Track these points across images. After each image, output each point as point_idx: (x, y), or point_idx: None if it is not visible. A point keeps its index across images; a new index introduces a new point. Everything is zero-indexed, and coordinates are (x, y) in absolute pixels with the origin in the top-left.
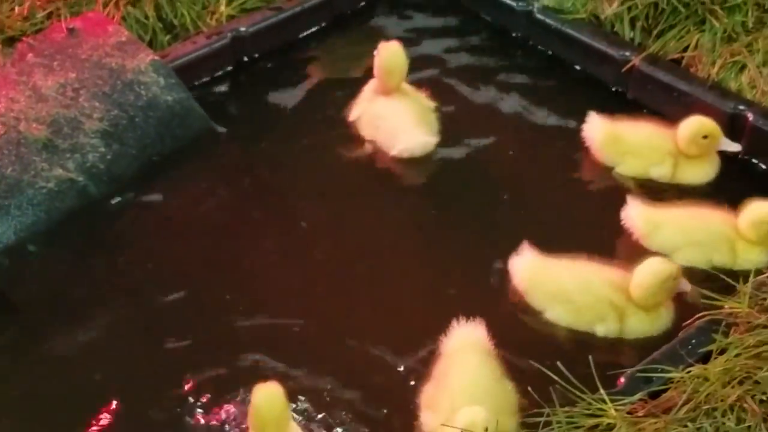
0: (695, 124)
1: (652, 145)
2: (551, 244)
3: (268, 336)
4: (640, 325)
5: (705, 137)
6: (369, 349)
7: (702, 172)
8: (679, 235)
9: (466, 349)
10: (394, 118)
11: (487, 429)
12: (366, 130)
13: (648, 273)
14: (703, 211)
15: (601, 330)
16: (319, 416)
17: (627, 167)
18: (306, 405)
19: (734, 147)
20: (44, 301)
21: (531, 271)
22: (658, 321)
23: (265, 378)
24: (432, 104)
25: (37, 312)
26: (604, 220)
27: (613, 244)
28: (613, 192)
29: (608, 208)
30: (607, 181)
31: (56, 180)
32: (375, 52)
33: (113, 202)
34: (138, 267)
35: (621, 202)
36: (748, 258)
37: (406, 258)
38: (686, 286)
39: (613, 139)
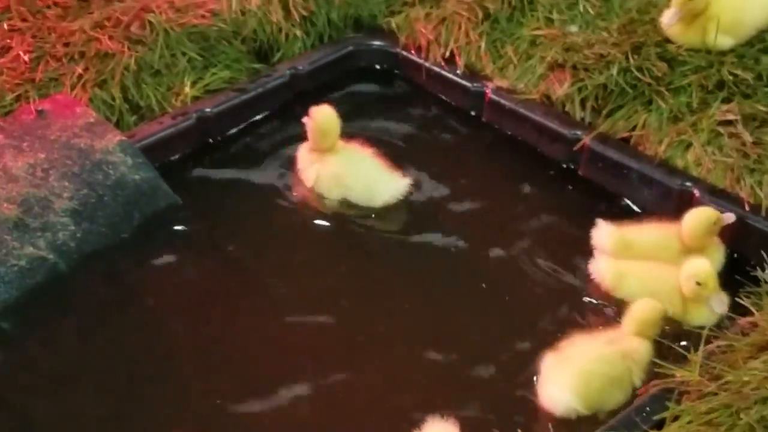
0: (698, 215)
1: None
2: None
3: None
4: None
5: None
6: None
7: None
8: (640, 286)
9: None
10: (362, 172)
11: None
12: (332, 192)
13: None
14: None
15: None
16: None
17: None
18: None
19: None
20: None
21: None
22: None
23: None
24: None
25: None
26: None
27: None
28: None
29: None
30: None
31: (27, 258)
32: (305, 118)
33: (84, 279)
34: (111, 344)
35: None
36: (694, 316)
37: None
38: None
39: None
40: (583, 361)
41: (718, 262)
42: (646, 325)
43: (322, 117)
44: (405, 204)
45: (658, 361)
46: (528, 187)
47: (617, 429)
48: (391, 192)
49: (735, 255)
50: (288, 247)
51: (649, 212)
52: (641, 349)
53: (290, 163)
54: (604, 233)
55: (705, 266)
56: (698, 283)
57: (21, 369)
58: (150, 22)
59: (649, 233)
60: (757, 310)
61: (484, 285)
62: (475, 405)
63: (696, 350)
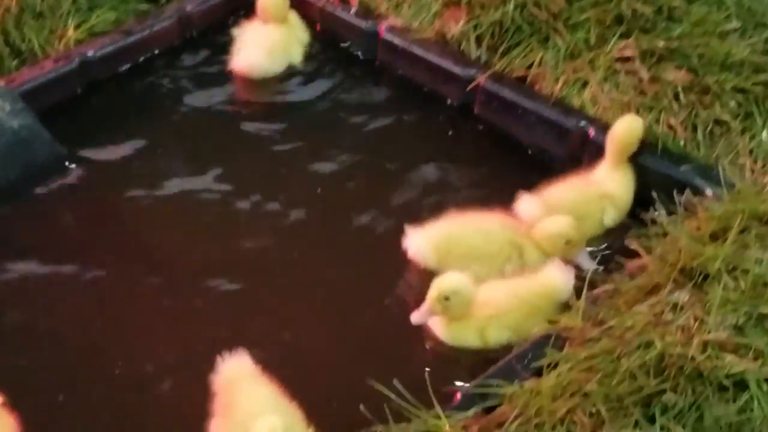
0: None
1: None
2: None
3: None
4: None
5: None
6: None
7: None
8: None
9: (240, 379)
10: (247, 39)
11: None
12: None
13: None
14: (486, 222)
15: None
16: None
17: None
18: None
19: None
20: None
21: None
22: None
23: None
24: (305, 38)
25: None
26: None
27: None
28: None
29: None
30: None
31: None
32: None
33: None
34: None
35: None
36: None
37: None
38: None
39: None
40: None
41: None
42: None
43: None
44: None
45: None
46: (421, 129)
47: (497, 377)
48: (241, 64)
49: None
50: (173, 197)
51: (544, 153)
52: None
53: (174, 107)
54: (528, 205)
55: (571, 223)
56: (568, 242)
57: None
58: None
59: (568, 192)
60: (647, 253)
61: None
62: None
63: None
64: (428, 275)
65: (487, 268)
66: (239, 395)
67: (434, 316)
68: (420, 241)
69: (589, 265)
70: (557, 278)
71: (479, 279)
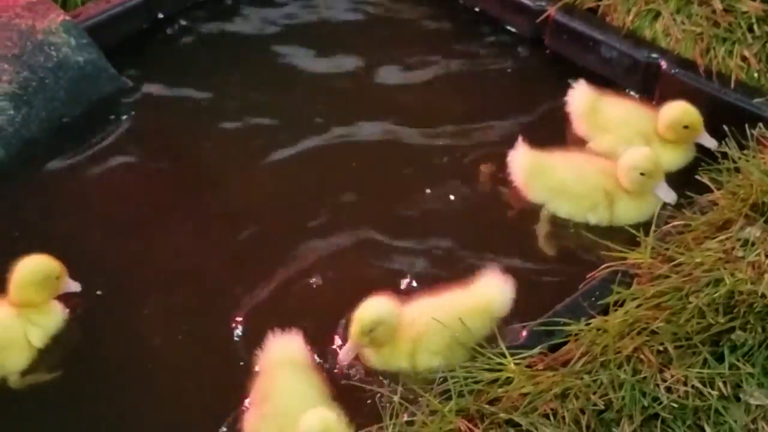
0: (677, 110)
1: (630, 124)
2: None
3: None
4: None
5: (686, 127)
6: None
7: (678, 158)
8: (556, 190)
9: (284, 365)
10: None
11: None
12: None
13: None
14: (585, 163)
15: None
16: None
17: (602, 143)
18: None
19: (711, 143)
20: None
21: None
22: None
23: None
24: None
25: None
26: None
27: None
28: None
29: None
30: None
31: None
32: None
33: (23, 166)
34: (48, 229)
35: None
36: (626, 215)
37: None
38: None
39: (593, 112)
40: None
41: (686, 160)
42: None
43: None
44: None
45: (609, 244)
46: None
47: (563, 315)
48: None
49: None
50: (237, 135)
51: (616, 86)
52: None
53: (246, 44)
54: (579, 93)
55: (648, 154)
56: (642, 174)
57: None
58: None
59: (623, 107)
60: (718, 188)
61: None
62: None
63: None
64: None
65: (573, 207)
66: (281, 382)
67: (361, 349)
68: (518, 163)
69: (669, 198)
70: (493, 291)
71: (568, 215)
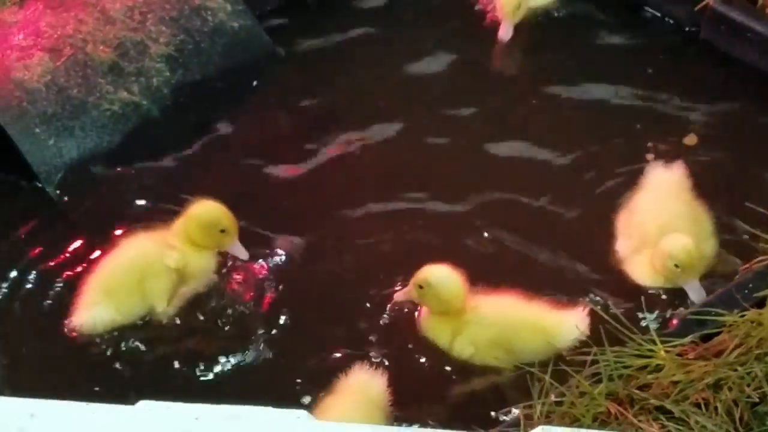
0: None
1: None
2: None
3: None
4: None
5: None
6: None
7: None
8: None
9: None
10: None
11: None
12: None
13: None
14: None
15: None
16: None
17: None
18: None
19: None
20: (103, 219)
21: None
22: None
23: None
24: None
25: (94, 228)
26: None
27: None
28: None
29: None
30: None
31: (120, 103)
32: None
33: (176, 127)
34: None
35: None
36: None
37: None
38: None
39: None
40: None
41: None
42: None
43: None
44: None
45: (763, 235)
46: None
47: (716, 305)
48: None
49: None
50: (387, 100)
51: None
52: None
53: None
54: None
55: (686, 245)
56: (676, 266)
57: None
58: None
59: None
60: None
61: None
62: None
63: None
64: None
65: None
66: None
67: (412, 300)
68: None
69: (696, 297)
70: (563, 322)
71: None
